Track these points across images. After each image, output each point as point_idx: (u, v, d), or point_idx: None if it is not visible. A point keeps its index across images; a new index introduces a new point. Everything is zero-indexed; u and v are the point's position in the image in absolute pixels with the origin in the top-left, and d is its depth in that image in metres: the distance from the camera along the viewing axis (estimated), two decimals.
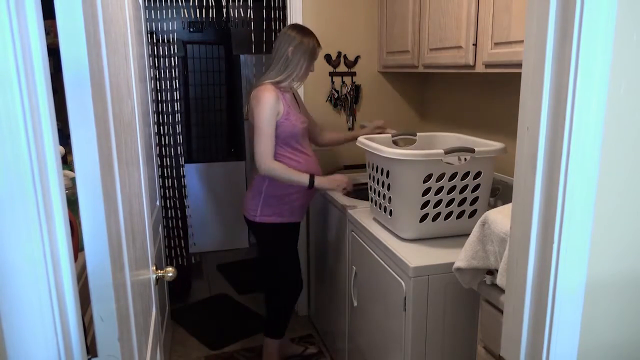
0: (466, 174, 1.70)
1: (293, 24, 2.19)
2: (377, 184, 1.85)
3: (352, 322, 2.13)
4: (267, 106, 1.98)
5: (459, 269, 1.33)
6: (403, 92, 2.87)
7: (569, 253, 0.76)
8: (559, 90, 0.73)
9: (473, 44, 1.80)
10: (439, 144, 2.06)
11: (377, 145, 1.77)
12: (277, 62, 2.06)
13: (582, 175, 0.74)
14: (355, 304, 2.02)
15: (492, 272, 1.29)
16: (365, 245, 1.89)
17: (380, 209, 1.87)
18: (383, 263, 1.72)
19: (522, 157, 0.81)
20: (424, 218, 1.71)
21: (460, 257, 1.31)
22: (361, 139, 1.91)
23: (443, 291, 1.56)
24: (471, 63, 1.82)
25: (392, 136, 2.09)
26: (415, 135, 2.11)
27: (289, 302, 2.34)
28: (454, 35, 1.92)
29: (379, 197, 1.86)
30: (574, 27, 0.69)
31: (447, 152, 1.64)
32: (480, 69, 1.79)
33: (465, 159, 1.69)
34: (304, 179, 2.03)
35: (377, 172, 1.84)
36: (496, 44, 1.67)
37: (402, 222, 1.74)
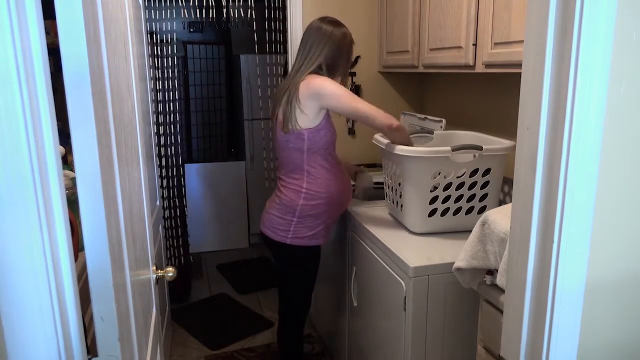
0: (475, 171, 1.73)
1: (322, 18, 1.93)
2: (390, 179, 1.94)
3: (352, 322, 2.13)
4: (338, 87, 1.79)
5: (459, 269, 1.33)
6: (403, 92, 2.87)
7: (569, 253, 0.76)
8: (558, 90, 0.73)
9: (473, 44, 1.80)
10: (455, 142, 2.06)
11: (389, 142, 1.82)
12: (312, 60, 1.83)
13: (582, 175, 0.74)
14: (355, 304, 2.02)
15: (492, 272, 1.29)
16: (365, 245, 1.90)
17: (393, 203, 1.95)
18: (383, 263, 1.72)
19: (522, 157, 0.81)
20: (432, 213, 1.77)
21: (460, 257, 1.31)
22: (376, 136, 1.95)
23: (443, 291, 1.56)
24: (471, 63, 1.82)
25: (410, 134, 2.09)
26: (432, 133, 2.12)
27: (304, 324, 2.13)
28: (454, 35, 1.92)
29: (392, 191, 1.94)
30: (574, 27, 0.69)
31: (455, 149, 1.65)
32: (480, 69, 1.79)
33: (474, 156, 1.73)
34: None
35: (390, 168, 1.92)
36: (496, 44, 1.67)
37: (412, 217, 1.80)
